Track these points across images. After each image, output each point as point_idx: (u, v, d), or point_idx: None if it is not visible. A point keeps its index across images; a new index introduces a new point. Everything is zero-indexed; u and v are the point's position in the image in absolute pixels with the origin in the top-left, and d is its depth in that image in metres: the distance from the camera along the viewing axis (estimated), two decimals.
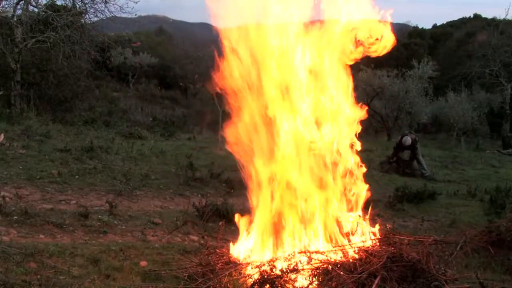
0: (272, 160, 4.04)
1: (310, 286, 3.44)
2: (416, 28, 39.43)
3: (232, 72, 4.06)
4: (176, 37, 38.39)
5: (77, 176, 7.75)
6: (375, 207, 4.26)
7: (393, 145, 12.04)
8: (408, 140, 11.25)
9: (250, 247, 4.06)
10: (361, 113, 4.27)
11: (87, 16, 15.39)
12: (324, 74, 4.16)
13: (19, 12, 14.51)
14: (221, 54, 4.07)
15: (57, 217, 5.49)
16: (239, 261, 3.97)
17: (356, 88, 4.49)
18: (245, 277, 3.66)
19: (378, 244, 3.90)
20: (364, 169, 4.30)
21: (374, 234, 4.10)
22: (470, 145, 20.63)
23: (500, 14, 43.57)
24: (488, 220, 6.18)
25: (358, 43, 4.21)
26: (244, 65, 4.06)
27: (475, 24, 33.35)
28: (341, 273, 3.44)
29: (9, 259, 3.88)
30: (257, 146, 4.06)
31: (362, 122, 4.32)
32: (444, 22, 41.65)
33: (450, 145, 20.00)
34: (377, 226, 4.18)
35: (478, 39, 26.39)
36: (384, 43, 4.23)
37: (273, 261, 3.67)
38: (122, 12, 14.98)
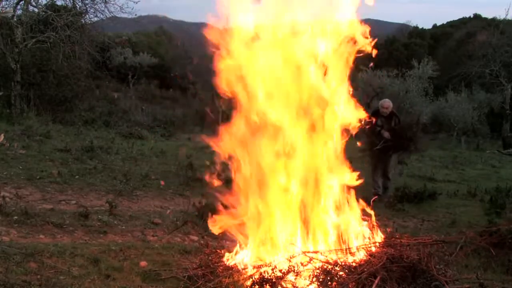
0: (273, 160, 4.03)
1: (310, 286, 3.44)
2: (416, 28, 39.36)
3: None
4: (176, 37, 38.34)
5: (77, 176, 7.75)
6: (375, 207, 4.24)
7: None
8: (387, 102, 7.92)
9: (251, 248, 4.06)
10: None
11: (87, 16, 15.43)
12: None
13: (19, 12, 14.52)
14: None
15: (57, 217, 5.48)
16: (239, 262, 3.96)
17: (356, 88, 4.43)
18: (246, 278, 3.66)
19: (378, 245, 3.89)
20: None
21: (374, 236, 4.09)
22: (470, 145, 20.62)
23: (500, 14, 43.54)
24: (488, 220, 6.17)
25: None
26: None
27: (475, 24, 33.33)
28: (341, 273, 3.45)
29: (9, 259, 3.87)
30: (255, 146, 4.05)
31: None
32: (444, 22, 41.58)
33: (450, 145, 19.99)
34: (378, 229, 4.17)
35: (478, 39, 26.36)
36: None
37: (274, 262, 3.67)
38: (122, 12, 15.05)
